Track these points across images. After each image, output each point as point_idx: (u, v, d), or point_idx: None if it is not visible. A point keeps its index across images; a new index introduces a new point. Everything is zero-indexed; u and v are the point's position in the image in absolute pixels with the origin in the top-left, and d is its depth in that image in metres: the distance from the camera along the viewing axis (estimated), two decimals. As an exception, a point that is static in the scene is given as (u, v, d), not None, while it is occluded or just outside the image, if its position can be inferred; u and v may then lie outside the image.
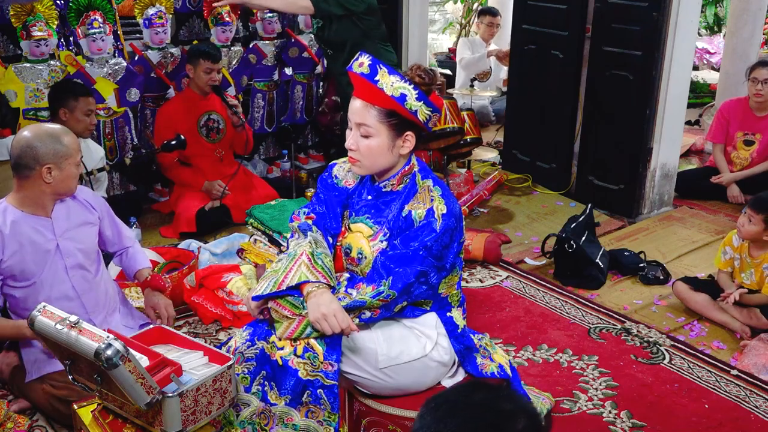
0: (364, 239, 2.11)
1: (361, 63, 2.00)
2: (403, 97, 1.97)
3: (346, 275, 2.14)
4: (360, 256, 2.10)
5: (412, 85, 1.98)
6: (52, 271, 2.48)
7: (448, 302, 2.16)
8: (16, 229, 2.41)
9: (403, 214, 2.05)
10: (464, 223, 4.21)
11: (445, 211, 2.01)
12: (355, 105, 2.04)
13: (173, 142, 3.82)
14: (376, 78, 1.97)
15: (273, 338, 2.03)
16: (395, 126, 2.02)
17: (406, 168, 2.10)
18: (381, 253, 2.05)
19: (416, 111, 1.99)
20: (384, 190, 2.12)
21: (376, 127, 2.01)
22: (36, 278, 2.46)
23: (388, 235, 2.07)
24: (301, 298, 2.00)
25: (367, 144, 2.03)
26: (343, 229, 2.21)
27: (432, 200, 2.04)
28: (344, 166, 2.24)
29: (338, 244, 2.20)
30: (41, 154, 2.36)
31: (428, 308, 2.14)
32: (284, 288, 2.00)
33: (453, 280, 2.15)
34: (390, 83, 1.96)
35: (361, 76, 1.99)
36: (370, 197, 2.15)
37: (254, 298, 2.06)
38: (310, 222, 2.17)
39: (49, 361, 2.47)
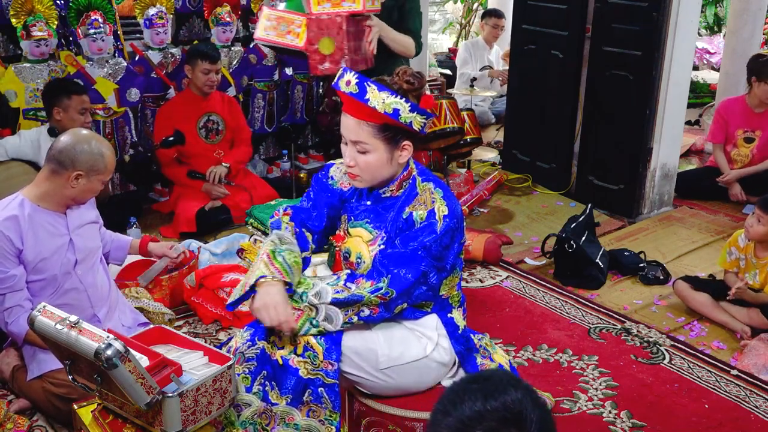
0: (364, 244, 2.10)
1: (348, 81, 1.95)
2: (396, 112, 1.94)
3: (347, 271, 2.13)
4: (359, 260, 2.10)
5: (404, 98, 1.95)
6: (64, 264, 2.52)
7: (449, 303, 2.16)
8: (33, 221, 2.45)
9: (404, 216, 2.04)
10: (464, 223, 4.21)
11: (446, 213, 2.01)
12: (348, 123, 2.00)
13: (171, 138, 3.82)
14: (366, 97, 1.93)
15: (273, 338, 2.03)
16: (391, 138, 1.99)
17: (405, 173, 2.09)
18: (380, 253, 2.05)
19: (411, 122, 1.97)
20: (383, 195, 2.11)
21: (373, 143, 1.99)
22: (50, 272, 2.49)
23: (385, 238, 2.07)
24: (300, 292, 1.99)
25: (366, 160, 2.01)
26: (341, 233, 2.19)
27: (433, 201, 2.03)
28: (342, 168, 2.21)
29: (337, 248, 2.19)
30: (80, 159, 2.41)
31: (429, 310, 2.13)
32: (248, 289, 2.01)
33: (453, 281, 2.14)
34: (381, 100, 1.93)
35: (350, 96, 1.95)
36: (369, 202, 2.14)
37: (228, 307, 2.09)
38: (286, 218, 2.18)
39: (49, 359, 2.48)
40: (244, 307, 3.10)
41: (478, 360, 2.21)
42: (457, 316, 2.17)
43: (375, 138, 1.98)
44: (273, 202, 4.13)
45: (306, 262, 2.20)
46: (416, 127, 1.98)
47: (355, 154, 2.02)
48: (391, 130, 1.98)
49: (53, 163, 2.42)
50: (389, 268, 1.98)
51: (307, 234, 2.19)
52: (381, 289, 1.96)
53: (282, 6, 3.24)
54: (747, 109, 4.68)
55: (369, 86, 1.93)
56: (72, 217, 2.55)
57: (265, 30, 3.18)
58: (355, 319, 1.99)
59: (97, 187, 2.50)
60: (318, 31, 3.16)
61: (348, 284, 1.99)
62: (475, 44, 6.64)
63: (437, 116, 4.42)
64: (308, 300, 1.98)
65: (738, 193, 4.62)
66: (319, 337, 2.00)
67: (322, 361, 1.99)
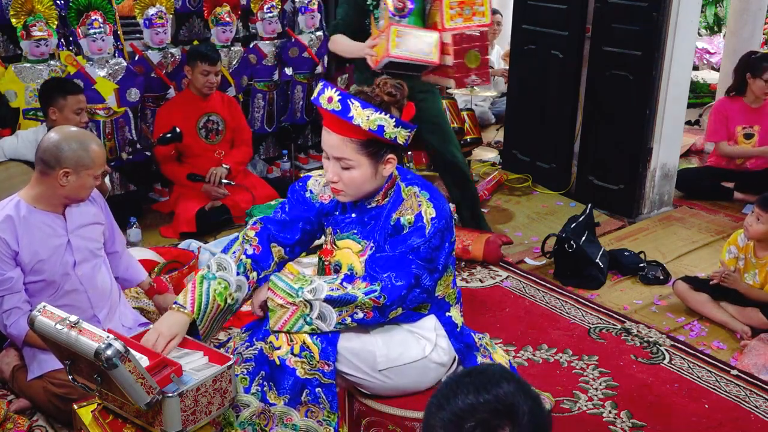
0: (354, 255, 2.08)
1: (330, 98, 1.90)
2: (380, 128, 1.91)
3: (347, 272, 2.12)
4: (351, 272, 2.08)
5: (388, 114, 1.91)
6: (62, 265, 2.51)
7: (446, 302, 2.15)
8: (29, 223, 2.43)
9: (392, 222, 2.02)
10: (456, 222, 4.18)
11: (434, 215, 1.99)
12: (331, 139, 1.96)
13: (168, 135, 3.81)
14: (350, 114, 1.88)
15: (271, 338, 2.03)
16: (375, 153, 1.96)
17: (389, 183, 2.06)
18: (369, 258, 2.03)
19: (395, 137, 1.94)
20: (369, 206, 2.08)
21: (357, 159, 1.96)
22: (48, 273, 2.48)
23: (374, 248, 2.05)
24: (296, 287, 1.98)
25: (350, 175, 1.98)
26: (328, 247, 2.16)
27: (420, 205, 2.01)
28: (320, 180, 2.17)
29: (327, 263, 2.16)
30: (64, 157, 2.38)
31: (426, 312, 2.12)
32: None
33: (448, 280, 2.13)
34: (366, 117, 1.89)
35: (332, 113, 1.92)
36: (354, 215, 2.11)
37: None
38: (252, 233, 2.11)
39: (50, 359, 2.47)
40: (245, 307, 3.12)
41: (479, 359, 2.21)
42: (455, 314, 2.17)
43: (359, 154, 1.95)
44: (273, 202, 4.12)
45: (282, 267, 2.16)
46: (400, 141, 1.95)
47: (339, 170, 1.99)
48: (375, 145, 1.95)
49: (40, 164, 2.41)
50: (380, 273, 1.96)
51: (276, 248, 2.12)
52: (375, 291, 1.94)
53: (405, 21, 3.32)
54: (744, 106, 4.71)
55: (352, 103, 1.89)
56: (71, 218, 2.54)
57: (398, 47, 3.25)
58: (349, 320, 1.97)
59: (89, 182, 2.46)
60: (464, 46, 3.26)
61: (344, 284, 1.97)
62: (475, 44, 6.63)
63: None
64: (303, 295, 1.96)
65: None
66: (315, 337, 2.00)
67: (318, 362, 1.99)
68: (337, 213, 2.14)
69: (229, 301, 2.02)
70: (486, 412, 1.08)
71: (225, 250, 2.10)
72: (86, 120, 3.60)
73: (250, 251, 2.08)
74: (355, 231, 2.09)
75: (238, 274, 2.04)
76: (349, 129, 1.92)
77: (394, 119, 1.92)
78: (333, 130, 1.96)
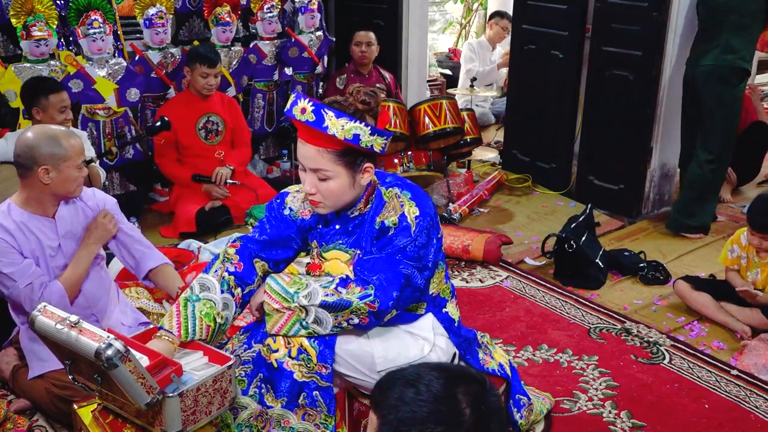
0: (345, 264, 2.07)
1: (303, 109, 1.89)
2: (356, 137, 1.89)
3: (343, 275, 2.12)
4: (346, 277, 2.07)
5: (363, 122, 1.90)
6: (55, 269, 2.50)
7: (442, 298, 2.15)
8: (21, 226, 2.43)
9: (376, 226, 2.01)
10: (464, 222, 4.20)
11: (417, 213, 1.98)
12: (307, 151, 1.94)
13: (158, 124, 3.80)
14: (325, 125, 1.87)
15: (268, 341, 2.02)
16: (352, 162, 1.95)
17: (368, 190, 2.06)
18: (358, 261, 2.02)
19: (372, 146, 1.92)
20: (352, 216, 2.07)
21: (334, 169, 1.94)
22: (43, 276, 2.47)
23: (361, 255, 2.04)
24: (292, 291, 1.98)
25: (328, 187, 1.96)
26: (315, 261, 2.15)
27: (402, 206, 2.00)
28: (298, 196, 2.15)
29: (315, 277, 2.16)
30: (38, 155, 2.37)
31: (423, 312, 2.12)
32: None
33: (440, 276, 2.13)
34: (341, 127, 1.87)
35: (306, 124, 1.90)
36: (338, 226, 2.09)
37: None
38: (232, 251, 2.09)
39: (52, 359, 2.47)
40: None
41: (480, 354, 2.21)
42: (452, 309, 2.17)
43: (336, 164, 1.93)
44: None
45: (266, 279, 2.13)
46: (377, 149, 1.94)
47: (316, 182, 1.97)
48: (352, 155, 1.94)
49: (19, 168, 2.41)
50: (369, 276, 1.95)
51: (260, 263, 2.11)
52: (369, 296, 1.92)
53: None
54: None
55: (326, 113, 1.87)
56: (62, 221, 2.53)
57: None
58: (345, 324, 1.97)
59: (73, 174, 2.43)
60: None
61: (339, 288, 1.95)
62: (479, 44, 6.65)
63: (437, 116, 4.42)
64: (298, 300, 1.96)
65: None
66: (312, 339, 1.99)
67: (315, 364, 1.99)
68: (320, 226, 2.13)
69: (218, 320, 2.01)
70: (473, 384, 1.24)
71: (206, 270, 2.07)
72: (71, 117, 3.56)
73: (231, 269, 2.06)
74: (341, 241, 2.08)
75: (222, 292, 2.02)
76: (325, 139, 1.90)
77: (369, 127, 1.90)
78: (308, 141, 1.94)
